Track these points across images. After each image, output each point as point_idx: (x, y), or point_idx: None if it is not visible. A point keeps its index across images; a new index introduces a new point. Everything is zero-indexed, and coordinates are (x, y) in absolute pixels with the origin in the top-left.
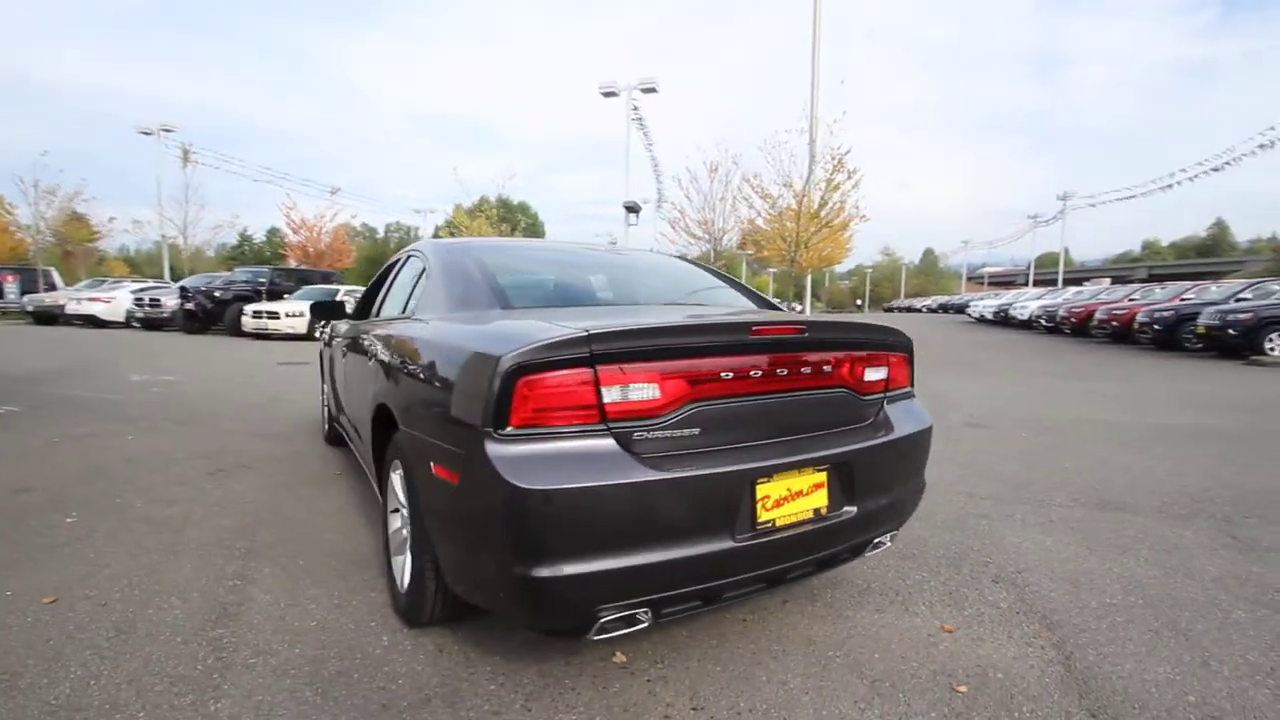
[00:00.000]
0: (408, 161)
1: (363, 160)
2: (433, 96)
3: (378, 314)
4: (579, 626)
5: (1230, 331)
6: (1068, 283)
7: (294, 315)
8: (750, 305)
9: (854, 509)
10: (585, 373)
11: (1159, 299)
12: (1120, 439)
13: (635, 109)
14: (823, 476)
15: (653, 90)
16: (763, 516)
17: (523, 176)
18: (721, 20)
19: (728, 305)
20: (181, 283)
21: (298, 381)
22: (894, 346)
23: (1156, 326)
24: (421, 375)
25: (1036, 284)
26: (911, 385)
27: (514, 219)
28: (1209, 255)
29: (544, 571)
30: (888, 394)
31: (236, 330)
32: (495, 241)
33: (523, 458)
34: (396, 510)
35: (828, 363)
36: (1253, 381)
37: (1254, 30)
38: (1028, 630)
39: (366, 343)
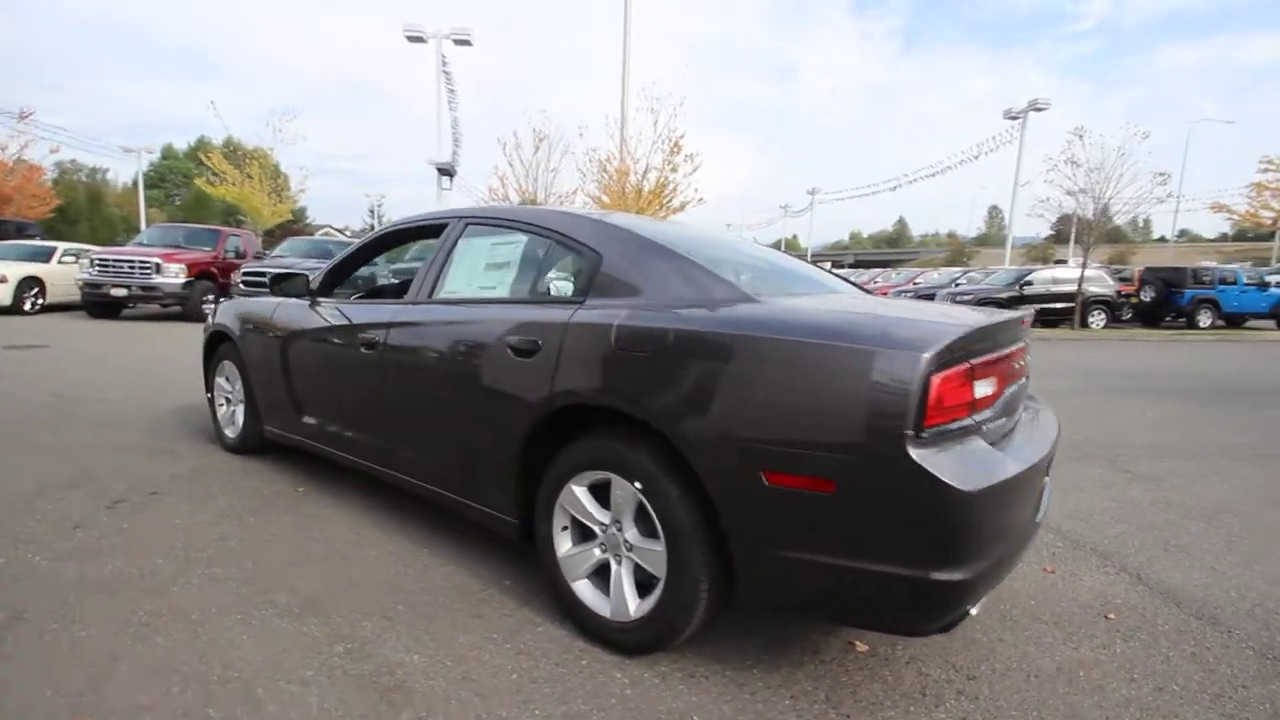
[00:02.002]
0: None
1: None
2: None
3: (430, 295)
4: (949, 625)
5: None
6: None
7: None
8: (851, 285)
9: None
10: (966, 368)
11: (896, 282)
12: None
13: (445, 62)
14: None
15: (466, 43)
16: (1043, 497)
17: (250, 117)
18: None
19: (840, 285)
20: None
21: (69, 372)
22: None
23: None
24: (748, 376)
25: None
26: None
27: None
28: (895, 245)
29: (962, 574)
30: None
31: None
32: (645, 221)
33: (948, 459)
34: (566, 529)
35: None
36: None
37: (931, 60)
38: (1094, 563)
39: (494, 335)
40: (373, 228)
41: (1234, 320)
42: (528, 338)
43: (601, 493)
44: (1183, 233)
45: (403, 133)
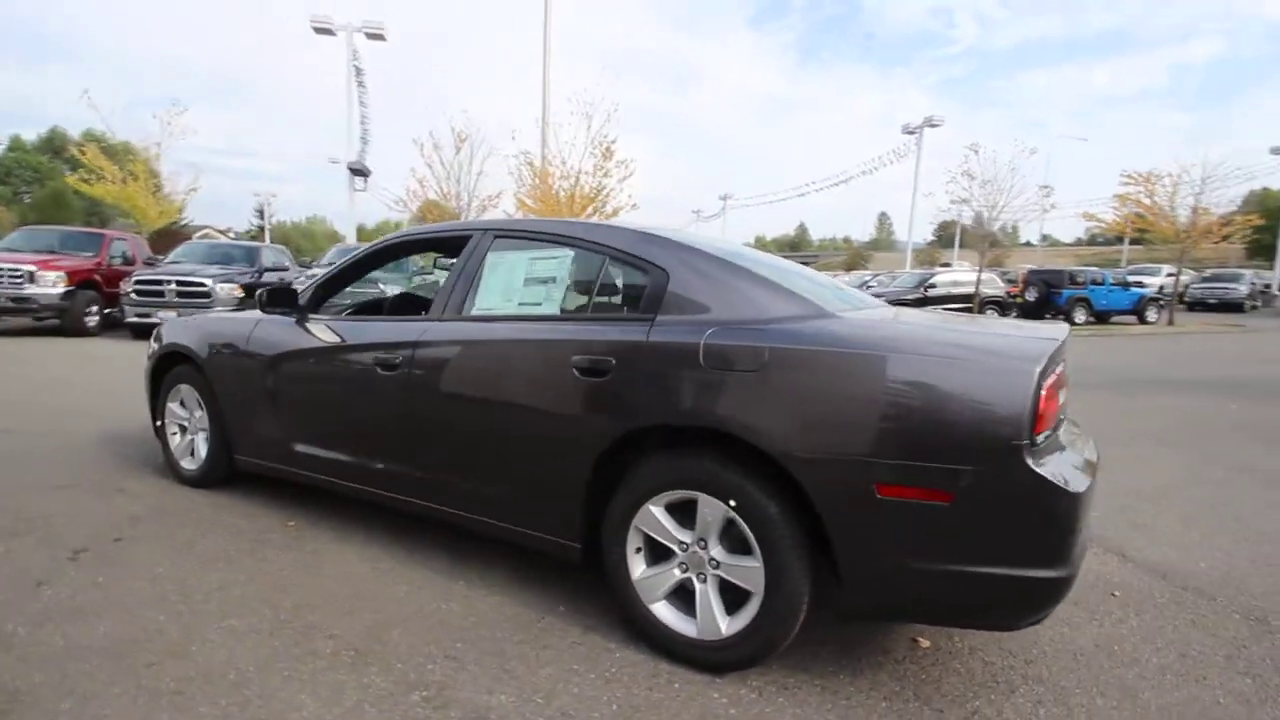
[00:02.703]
0: None
1: None
2: None
3: (459, 311)
4: (1041, 619)
5: None
6: None
7: None
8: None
9: None
10: (1054, 380)
11: None
12: None
13: (356, 56)
14: None
15: (379, 37)
16: None
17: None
18: None
19: (869, 298)
20: None
21: None
22: None
23: None
24: (860, 392)
25: None
26: None
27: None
28: (797, 250)
29: (1064, 570)
30: None
31: None
32: (704, 239)
33: (1052, 465)
34: (639, 550)
35: None
36: None
37: (828, 75)
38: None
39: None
40: (261, 229)
41: (1102, 317)
42: (597, 357)
43: (679, 511)
44: (1044, 238)
45: (290, 128)
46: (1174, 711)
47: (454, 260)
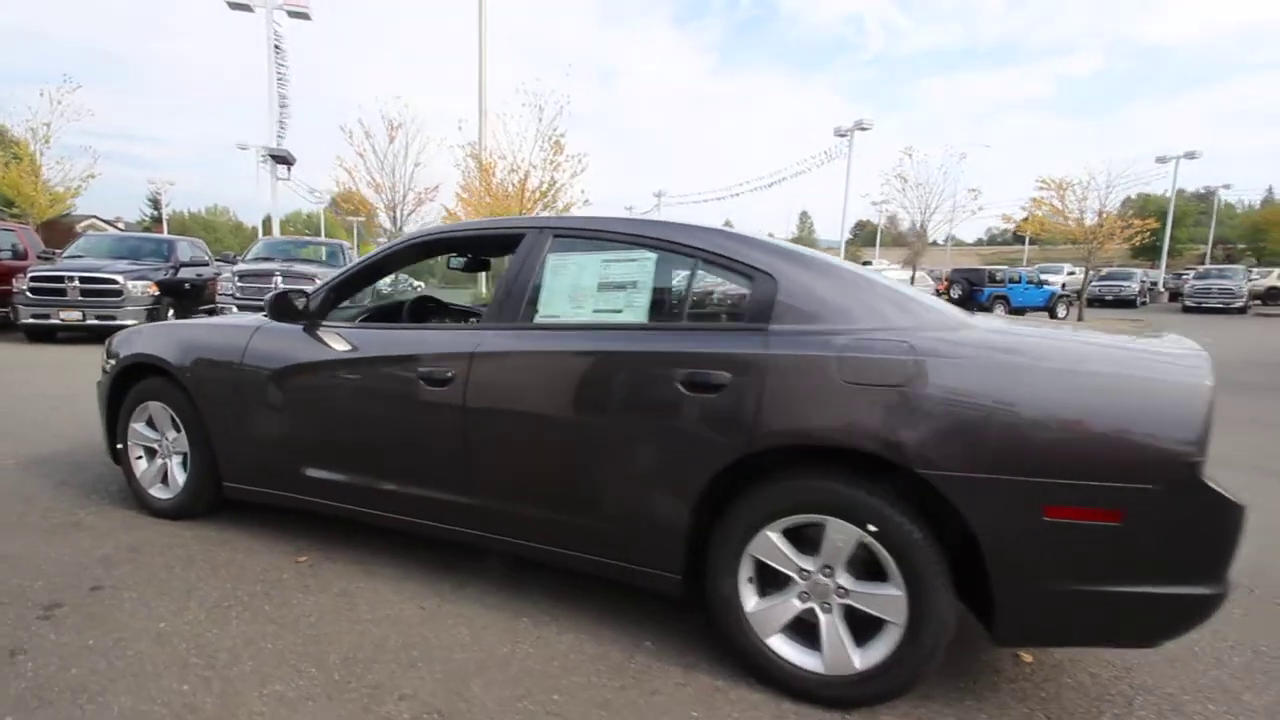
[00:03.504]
0: None
1: None
2: None
3: (519, 317)
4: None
5: None
6: None
7: None
8: None
9: None
10: None
11: None
12: None
13: (278, 36)
14: None
15: (304, 15)
16: None
17: None
18: None
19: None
20: None
21: None
22: None
23: None
24: (1026, 408)
25: None
26: None
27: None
28: None
29: (1221, 587)
30: None
31: None
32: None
33: (1217, 479)
34: (751, 580)
35: None
36: None
37: (749, 74)
38: None
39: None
40: (157, 219)
41: (1019, 312)
42: (709, 371)
43: (796, 536)
44: (949, 238)
45: (187, 113)
46: (1276, 712)
47: (458, 260)
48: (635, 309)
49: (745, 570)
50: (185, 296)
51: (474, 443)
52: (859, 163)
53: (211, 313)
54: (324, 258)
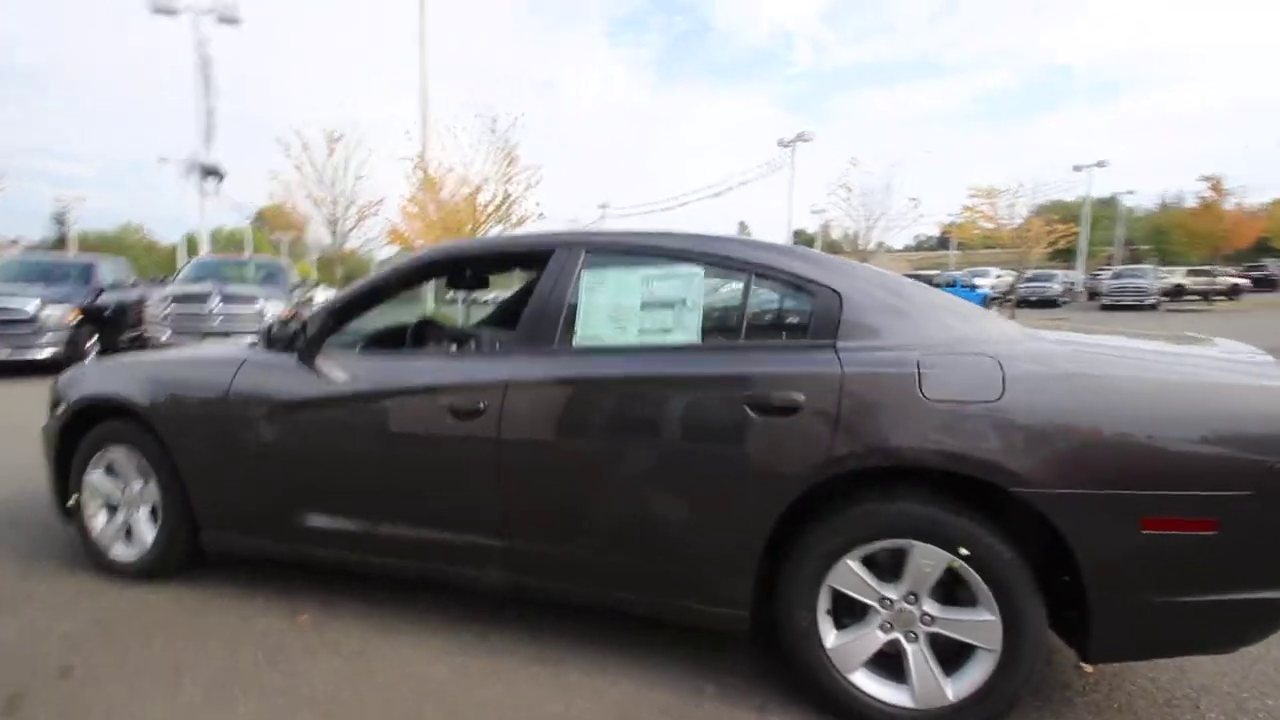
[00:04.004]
0: None
1: None
2: None
3: (558, 340)
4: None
5: None
6: None
7: None
8: None
9: None
10: None
11: None
12: None
13: (204, 42)
14: None
15: (233, 21)
16: None
17: None
18: None
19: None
20: None
21: None
22: None
23: None
24: (1123, 420)
25: None
26: None
27: None
28: None
29: None
30: None
31: None
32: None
33: None
34: (828, 613)
35: None
36: None
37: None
38: None
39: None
40: (62, 239)
41: None
42: (782, 392)
43: (874, 563)
44: (879, 244)
45: (98, 124)
46: None
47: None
48: (686, 328)
49: (823, 603)
50: (108, 324)
51: (510, 480)
52: (801, 171)
53: (139, 341)
54: (262, 279)
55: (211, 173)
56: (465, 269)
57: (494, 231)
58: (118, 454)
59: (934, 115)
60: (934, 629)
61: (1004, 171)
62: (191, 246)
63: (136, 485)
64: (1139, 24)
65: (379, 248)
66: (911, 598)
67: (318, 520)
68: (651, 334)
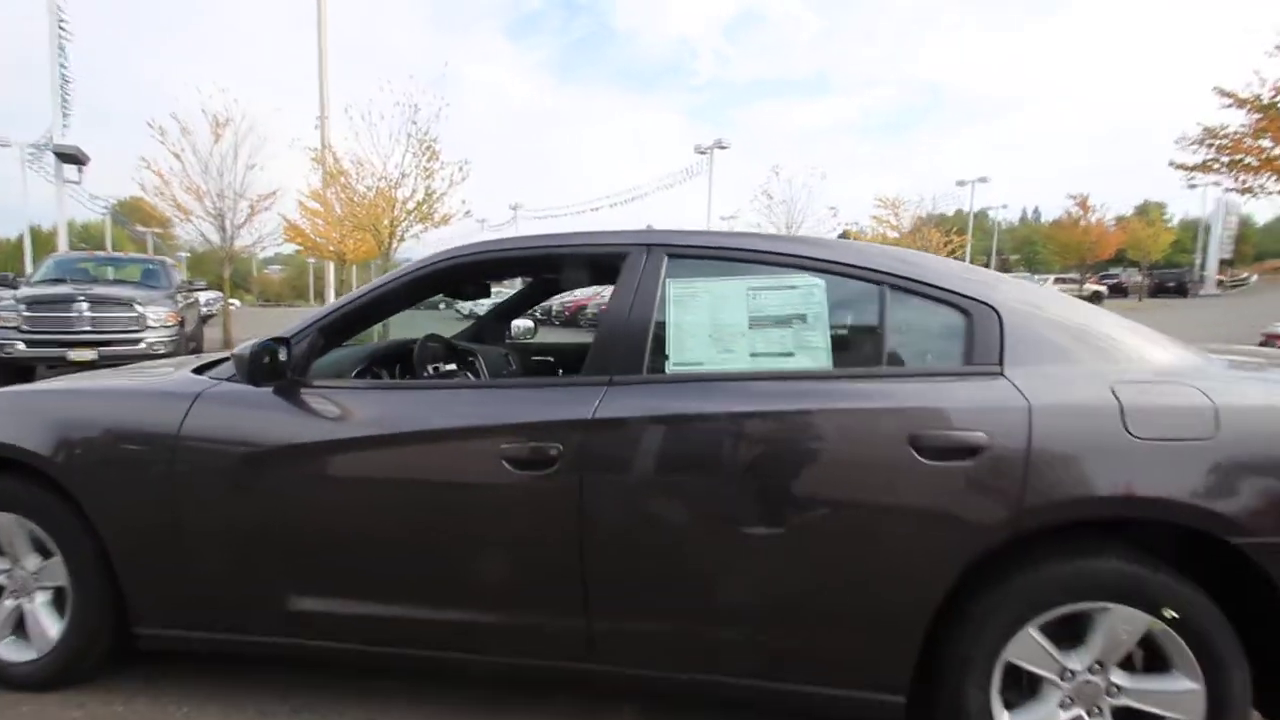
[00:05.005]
0: None
1: None
2: None
3: (646, 367)
4: None
5: None
6: None
7: None
8: None
9: None
10: None
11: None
12: None
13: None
14: None
15: None
16: None
17: None
18: None
19: None
20: None
21: None
22: None
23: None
24: None
25: None
26: None
27: None
28: None
29: None
30: None
31: None
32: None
33: None
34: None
35: None
36: None
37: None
38: None
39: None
40: None
41: None
42: (958, 431)
43: (1055, 629)
44: None
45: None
46: None
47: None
48: (812, 350)
49: (996, 680)
50: None
51: (597, 543)
52: (702, 180)
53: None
54: (140, 278)
55: (70, 158)
56: (500, 273)
57: (415, 232)
58: (6, 522)
59: (827, 129)
60: (1121, 701)
61: (891, 185)
62: (48, 242)
63: (31, 563)
64: (1014, 54)
65: (274, 245)
66: (1096, 668)
67: (313, 603)
68: (768, 357)
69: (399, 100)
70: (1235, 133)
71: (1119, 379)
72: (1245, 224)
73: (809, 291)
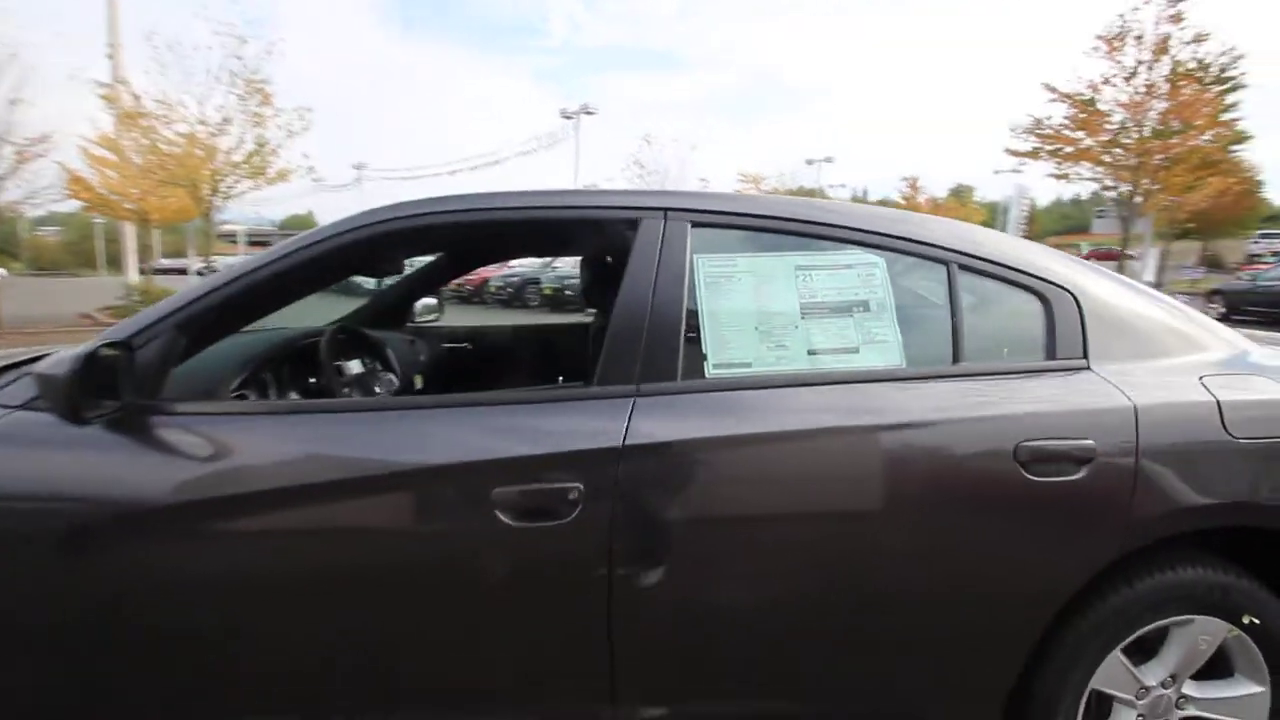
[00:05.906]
0: None
1: None
2: None
3: (681, 371)
4: None
5: (567, 292)
6: None
7: None
8: None
9: None
10: None
11: (514, 271)
12: None
13: None
14: None
15: None
16: None
17: None
18: None
19: None
20: None
21: None
22: None
23: (508, 289)
24: None
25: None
26: None
27: None
28: None
29: None
30: None
31: None
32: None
33: None
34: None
35: None
36: None
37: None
38: None
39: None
40: None
41: None
42: (1065, 441)
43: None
44: None
45: None
46: None
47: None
48: (880, 346)
49: (1080, 713)
50: None
51: (631, 610)
52: (564, 148)
53: None
54: None
55: None
56: (443, 243)
57: (244, 189)
58: None
59: (679, 103)
60: (1190, 711)
61: (740, 163)
62: None
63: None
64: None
65: (54, 202)
66: (1169, 681)
67: None
68: (829, 355)
69: (219, 29)
70: (1056, 126)
71: (1205, 372)
72: (1034, 206)
73: (868, 271)
